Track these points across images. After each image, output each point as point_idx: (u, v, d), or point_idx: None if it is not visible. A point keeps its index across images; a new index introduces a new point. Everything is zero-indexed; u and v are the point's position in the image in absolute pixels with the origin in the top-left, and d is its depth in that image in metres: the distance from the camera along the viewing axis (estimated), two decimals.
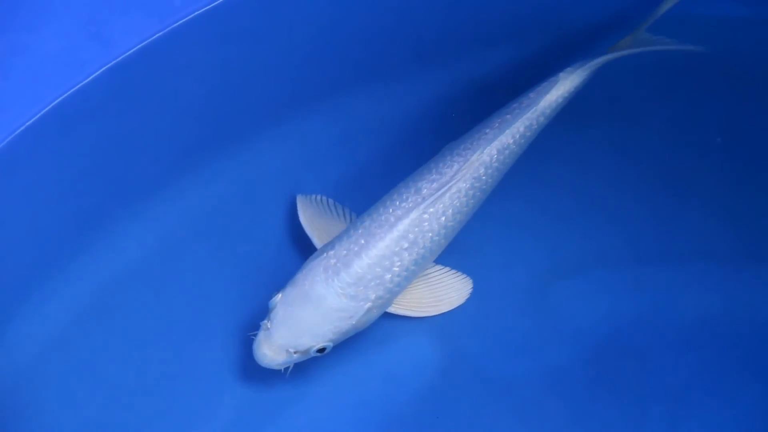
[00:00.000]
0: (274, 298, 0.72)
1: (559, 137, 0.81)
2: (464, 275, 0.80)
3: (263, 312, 0.73)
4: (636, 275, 0.83)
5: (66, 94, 0.71)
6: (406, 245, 0.73)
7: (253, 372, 0.77)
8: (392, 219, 0.73)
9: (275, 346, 0.72)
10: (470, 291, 0.80)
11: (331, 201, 0.80)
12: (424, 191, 0.73)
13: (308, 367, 0.78)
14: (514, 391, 0.80)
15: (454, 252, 0.79)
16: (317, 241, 0.77)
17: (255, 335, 0.73)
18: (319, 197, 0.81)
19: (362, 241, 0.72)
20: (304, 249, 0.79)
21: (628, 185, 0.85)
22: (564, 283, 0.83)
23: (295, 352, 0.72)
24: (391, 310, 0.76)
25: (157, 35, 0.72)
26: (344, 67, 0.83)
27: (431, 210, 0.73)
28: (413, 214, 0.73)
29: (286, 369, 0.73)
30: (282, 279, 0.74)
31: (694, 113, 0.86)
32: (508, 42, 0.85)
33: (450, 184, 0.73)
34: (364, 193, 0.79)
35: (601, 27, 0.83)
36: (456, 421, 0.79)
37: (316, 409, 0.78)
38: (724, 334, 0.81)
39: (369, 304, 0.72)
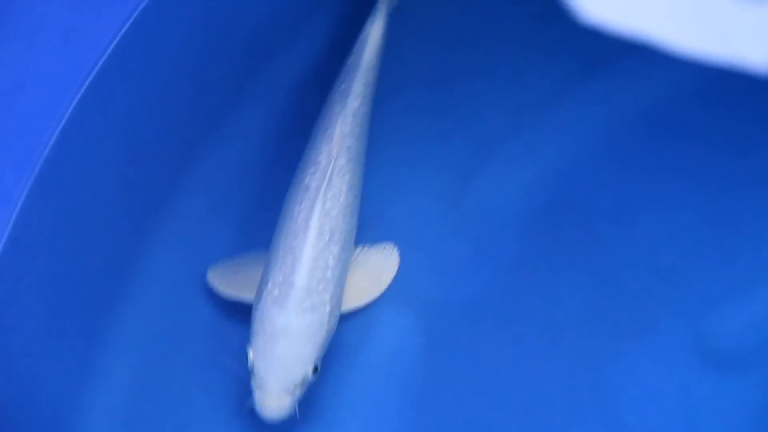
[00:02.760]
0: (249, 359, 0.71)
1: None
2: (384, 244, 0.82)
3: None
4: (530, 150, 0.86)
5: None
6: (327, 238, 0.74)
7: None
8: (301, 224, 0.74)
9: (275, 393, 0.70)
10: (398, 255, 0.82)
11: (237, 257, 0.80)
12: (313, 184, 0.75)
13: (321, 416, 0.78)
14: (490, 315, 0.82)
15: (366, 228, 0.81)
16: (248, 296, 0.77)
17: (252, 400, 0.71)
18: (225, 263, 0.81)
19: (289, 258, 0.73)
20: (241, 312, 0.78)
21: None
22: (475, 188, 0.85)
23: (295, 389, 0.71)
24: (344, 309, 0.77)
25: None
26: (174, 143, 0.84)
27: (329, 195, 0.75)
28: (317, 209, 0.74)
29: (295, 411, 0.72)
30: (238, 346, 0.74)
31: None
32: (308, 22, 0.88)
33: (330, 166, 0.76)
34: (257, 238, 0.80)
35: None
36: (469, 366, 0.81)
37: None
38: (637, 143, 0.86)
39: (328, 306, 0.73)
